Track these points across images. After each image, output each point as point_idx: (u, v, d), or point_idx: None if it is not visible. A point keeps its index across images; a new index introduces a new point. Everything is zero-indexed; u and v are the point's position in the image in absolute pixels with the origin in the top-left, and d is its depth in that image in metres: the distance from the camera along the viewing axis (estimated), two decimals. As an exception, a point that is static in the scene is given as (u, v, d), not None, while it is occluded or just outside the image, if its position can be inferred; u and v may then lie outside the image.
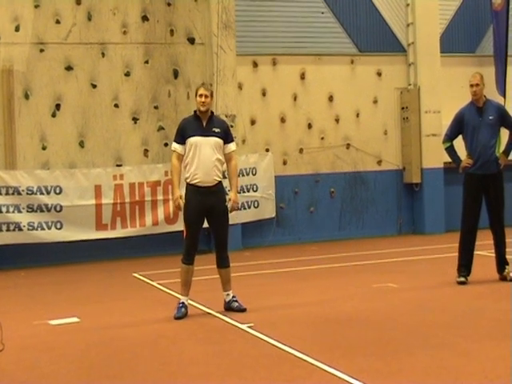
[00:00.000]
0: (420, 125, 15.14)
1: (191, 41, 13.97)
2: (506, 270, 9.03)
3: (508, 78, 15.01)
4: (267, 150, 14.41)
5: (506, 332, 6.38)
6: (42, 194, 12.48)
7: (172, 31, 13.87)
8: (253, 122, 14.40)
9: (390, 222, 15.28)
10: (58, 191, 12.59)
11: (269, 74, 14.55)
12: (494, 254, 9.19)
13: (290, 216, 14.62)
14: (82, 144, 13.33)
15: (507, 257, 9.11)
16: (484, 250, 10.17)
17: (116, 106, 13.54)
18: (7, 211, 12.26)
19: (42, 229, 12.47)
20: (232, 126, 13.22)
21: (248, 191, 13.88)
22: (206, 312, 8.06)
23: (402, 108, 15.31)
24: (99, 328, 7.53)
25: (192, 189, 7.80)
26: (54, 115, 13.19)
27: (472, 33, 15.91)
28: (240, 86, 14.19)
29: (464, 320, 7.13)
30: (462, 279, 9.00)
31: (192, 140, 7.78)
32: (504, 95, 14.72)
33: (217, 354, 6.23)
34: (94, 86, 13.41)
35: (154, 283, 10.32)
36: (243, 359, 6.05)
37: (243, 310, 7.88)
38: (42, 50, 13.11)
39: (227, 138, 7.94)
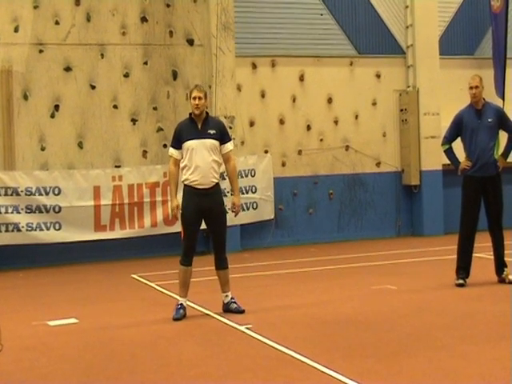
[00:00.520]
0: (419, 127, 15.15)
1: (190, 42, 13.97)
2: (505, 272, 9.04)
3: (507, 81, 15.00)
4: (266, 152, 14.41)
5: (504, 334, 6.39)
6: (40, 194, 12.47)
7: (171, 32, 13.87)
8: (252, 124, 14.41)
9: (389, 224, 15.28)
10: (56, 192, 12.59)
11: (268, 76, 14.55)
12: (492, 256, 9.19)
13: (288, 217, 14.62)
14: (80, 145, 13.33)
15: (506, 259, 9.11)
16: (483, 252, 10.18)
17: (115, 107, 13.53)
18: (6, 212, 12.25)
19: (41, 230, 12.47)
20: (231, 128, 13.30)
21: (247, 193, 13.88)
22: (204, 313, 8.06)
23: (401, 110, 15.32)
24: (98, 329, 7.53)
25: (189, 190, 7.80)
26: (52, 116, 13.19)
27: (471, 35, 15.92)
28: (239, 88, 14.19)
29: (463, 322, 7.13)
30: (461, 281, 9.00)
31: (188, 144, 7.78)
32: (503, 97, 14.72)
33: (215, 356, 6.23)
34: (93, 87, 13.41)
35: (152, 284, 10.32)
36: (242, 360, 6.05)
37: (242, 312, 7.88)
38: (41, 51, 13.11)
39: (223, 138, 7.92)
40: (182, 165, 7.87)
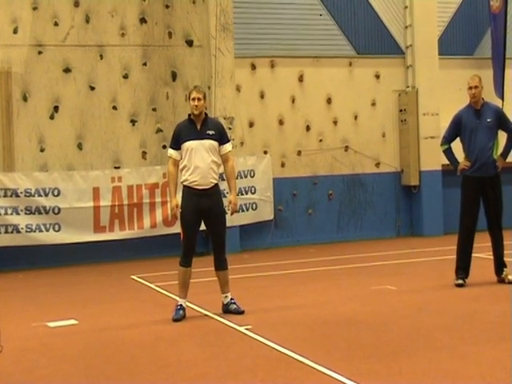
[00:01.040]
0: (418, 127, 15.15)
1: (189, 43, 13.97)
2: (504, 273, 9.04)
3: (506, 81, 15.00)
4: (265, 153, 14.41)
5: (504, 334, 6.39)
6: (40, 196, 12.47)
7: (170, 33, 13.88)
8: (251, 125, 14.41)
9: (389, 225, 15.28)
10: (56, 193, 12.58)
11: (267, 77, 14.55)
12: (492, 257, 9.19)
13: (288, 218, 14.62)
14: (80, 146, 13.33)
15: (505, 259, 9.11)
16: (482, 252, 10.17)
17: (114, 108, 13.54)
18: (5, 213, 12.24)
19: (40, 231, 12.46)
20: (230, 129, 13.30)
21: (246, 193, 13.87)
22: (203, 314, 8.06)
23: (400, 110, 15.32)
24: (97, 330, 7.53)
25: (188, 191, 7.81)
26: (52, 117, 13.19)
27: (470, 35, 15.92)
28: (238, 89, 14.19)
29: (462, 322, 7.13)
30: (460, 281, 9.00)
31: (187, 144, 7.79)
32: (502, 98, 14.72)
33: (215, 356, 6.23)
34: (92, 88, 13.41)
35: (152, 285, 10.32)
36: (241, 361, 6.05)
37: (241, 313, 7.88)
38: (40, 52, 13.11)
39: (222, 138, 7.93)
40: (181, 165, 7.88)
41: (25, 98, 13.02)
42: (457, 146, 9.24)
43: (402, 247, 13.54)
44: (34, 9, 13.10)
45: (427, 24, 15.22)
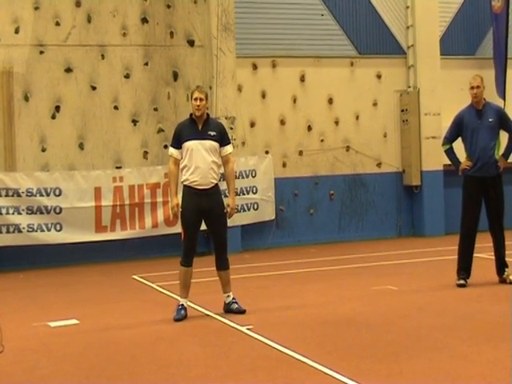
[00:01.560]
0: (420, 127, 15.14)
1: (191, 43, 13.97)
2: (506, 273, 9.03)
3: (508, 81, 14.99)
4: (267, 152, 14.41)
5: (504, 335, 6.38)
6: (41, 195, 12.47)
7: (172, 33, 13.88)
8: (252, 125, 14.41)
9: (390, 225, 15.27)
10: (57, 193, 12.58)
11: (268, 77, 14.55)
12: (493, 257, 9.19)
13: (289, 218, 14.62)
14: (81, 146, 13.33)
15: (507, 259, 9.11)
16: (483, 252, 10.17)
17: (116, 108, 13.54)
18: (7, 213, 12.24)
19: (42, 231, 12.46)
20: (232, 129, 13.30)
21: (247, 193, 13.87)
22: (205, 314, 8.06)
23: (402, 110, 15.31)
24: (98, 330, 7.54)
25: (189, 191, 7.81)
26: (53, 117, 13.20)
27: (472, 35, 15.91)
28: (240, 88, 14.19)
29: (463, 323, 7.13)
30: (462, 282, 9.00)
31: (188, 144, 7.79)
32: (504, 98, 14.71)
33: (216, 356, 6.23)
34: (94, 88, 13.41)
35: (153, 285, 10.32)
36: (242, 361, 6.05)
37: (243, 312, 7.88)
38: (41, 52, 13.12)
39: (223, 140, 7.93)
40: (181, 165, 7.88)
41: (26, 98, 13.02)
42: (458, 146, 9.24)
43: (404, 247, 13.54)
44: (36, 9, 13.10)
45: (429, 24, 15.22)
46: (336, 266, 11.59)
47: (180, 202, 7.85)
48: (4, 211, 12.22)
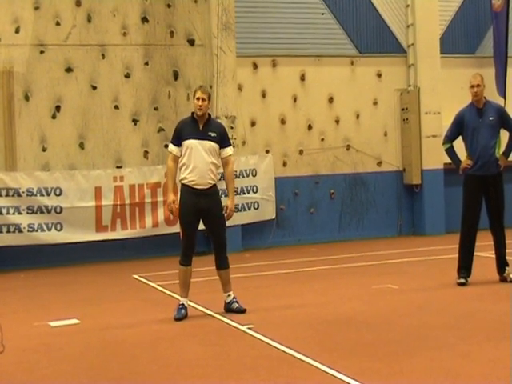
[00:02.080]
0: (420, 126, 15.15)
1: (191, 42, 13.97)
2: (506, 271, 9.03)
3: (508, 79, 14.99)
4: (267, 152, 14.41)
5: (505, 333, 6.38)
6: (42, 195, 12.48)
7: (172, 33, 13.88)
8: (253, 124, 14.41)
9: (390, 224, 15.27)
10: (58, 193, 12.59)
11: (269, 76, 14.55)
12: (494, 255, 9.18)
13: (289, 217, 14.62)
14: (82, 145, 13.34)
15: (507, 258, 9.11)
16: (484, 251, 10.16)
17: (116, 107, 13.54)
18: (7, 213, 12.25)
19: (42, 230, 12.47)
20: (232, 128, 13.31)
21: (248, 192, 13.87)
22: (205, 313, 8.06)
23: (402, 109, 15.31)
24: (99, 329, 7.53)
25: (187, 190, 7.80)
26: (54, 117, 13.20)
27: (472, 34, 15.91)
28: (240, 88, 14.19)
29: (464, 321, 7.12)
30: (462, 280, 9.00)
31: (188, 142, 7.78)
32: (504, 96, 14.70)
33: (216, 356, 6.23)
34: (94, 88, 13.41)
35: (153, 285, 10.32)
36: (243, 360, 6.05)
37: (243, 312, 7.88)
38: (42, 52, 13.12)
39: (223, 142, 7.90)
40: (180, 163, 7.87)
41: (27, 98, 13.02)
42: (459, 145, 9.23)
43: (404, 246, 13.54)
44: (36, 8, 13.10)
45: (429, 23, 15.22)
46: (336, 265, 11.60)
47: (176, 199, 7.85)
48: (4, 211, 12.23)
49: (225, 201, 8.04)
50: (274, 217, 14.23)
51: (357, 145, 15.06)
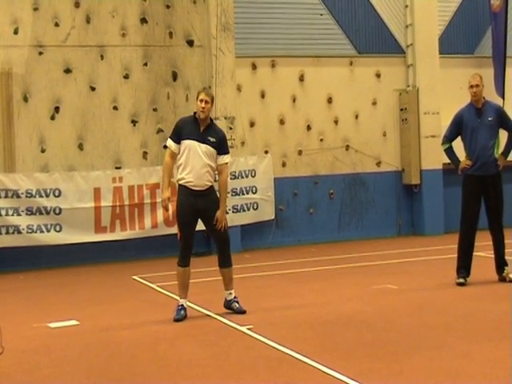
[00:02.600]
0: (419, 126, 15.15)
1: (190, 43, 13.98)
2: (505, 271, 9.03)
3: (507, 80, 15.01)
4: (266, 152, 14.41)
5: (505, 333, 6.38)
6: (41, 196, 12.47)
7: (171, 33, 13.88)
8: (252, 124, 14.41)
9: (390, 224, 15.28)
10: (57, 194, 12.59)
11: (268, 76, 14.55)
12: (493, 255, 9.19)
13: (289, 218, 14.62)
14: (81, 146, 13.34)
15: (506, 258, 9.11)
16: (483, 251, 10.17)
17: (115, 108, 13.54)
18: (6, 214, 12.24)
19: (41, 232, 12.46)
20: (231, 128, 13.32)
21: (247, 193, 13.87)
22: (205, 314, 8.05)
23: (401, 109, 15.32)
24: (98, 330, 7.53)
25: (184, 190, 7.79)
26: (53, 118, 13.20)
27: (471, 34, 15.92)
28: (239, 88, 14.19)
29: (463, 321, 7.13)
30: (462, 280, 9.00)
31: (187, 142, 7.77)
32: (503, 96, 14.72)
33: (216, 356, 6.23)
34: (93, 89, 13.41)
35: (153, 285, 10.32)
36: (242, 361, 6.05)
37: (243, 313, 7.88)
38: (40, 53, 13.12)
39: (221, 149, 7.86)
40: (178, 162, 7.85)
41: (25, 99, 13.02)
42: (458, 145, 9.24)
43: (403, 246, 13.54)
44: (35, 9, 13.10)
45: (428, 23, 15.22)
46: (336, 265, 11.60)
47: (172, 196, 7.85)
48: (3, 212, 12.22)
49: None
50: (273, 217, 14.23)
51: (356, 145, 15.06)
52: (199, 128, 7.81)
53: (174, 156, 7.87)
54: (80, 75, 13.36)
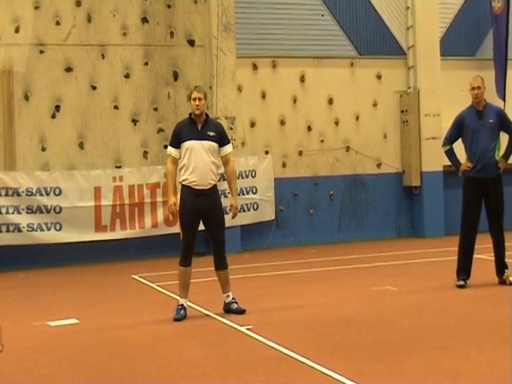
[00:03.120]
0: (419, 128, 15.15)
1: (191, 43, 13.98)
2: (506, 274, 9.03)
3: (508, 82, 15.02)
4: (267, 153, 14.42)
5: (504, 335, 6.38)
6: (41, 195, 12.48)
7: (172, 33, 13.88)
8: (252, 125, 14.41)
9: (390, 225, 15.28)
10: (57, 192, 12.59)
11: (268, 77, 14.56)
12: (493, 258, 9.18)
13: (289, 218, 14.62)
14: (81, 145, 13.34)
15: (506, 260, 9.11)
16: (483, 253, 10.16)
17: (116, 107, 13.55)
18: (7, 212, 12.25)
19: (42, 230, 12.47)
20: (232, 129, 13.32)
21: (247, 193, 13.87)
22: (205, 314, 8.05)
23: (402, 111, 15.32)
24: (98, 329, 7.53)
25: (187, 191, 7.80)
26: (53, 116, 13.20)
27: (472, 36, 15.92)
28: (240, 89, 14.20)
29: (463, 323, 7.13)
30: (462, 283, 8.99)
31: (187, 144, 7.79)
32: (504, 99, 14.73)
33: (216, 356, 6.23)
34: (94, 88, 13.42)
35: (153, 285, 10.32)
36: (242, 361, 6.05)
37: (242, 312, 7.88)
38: (41, 52, 13.12)
39: (222, 140, 7.91)
40: (180, 164, 7.87)
41: (26, 97, 13.03)
42: (459, 147, 9.24)
43: (403, 248, 13.54)
44: (36, 8, 13.11)
45: (429, 25, 15.23)
46: (336, 266, 11.59)
47: (177, 201, 7.86)
48: (4, 210, 12.23)
49: (225, 200, 8.04)
50: (273, 218, 14.23)
51: (356, 146, 15.07)
52: (197, 127, 7.84)
53: (175, 162, 7.90)
54: (81, 74, 13.37)
